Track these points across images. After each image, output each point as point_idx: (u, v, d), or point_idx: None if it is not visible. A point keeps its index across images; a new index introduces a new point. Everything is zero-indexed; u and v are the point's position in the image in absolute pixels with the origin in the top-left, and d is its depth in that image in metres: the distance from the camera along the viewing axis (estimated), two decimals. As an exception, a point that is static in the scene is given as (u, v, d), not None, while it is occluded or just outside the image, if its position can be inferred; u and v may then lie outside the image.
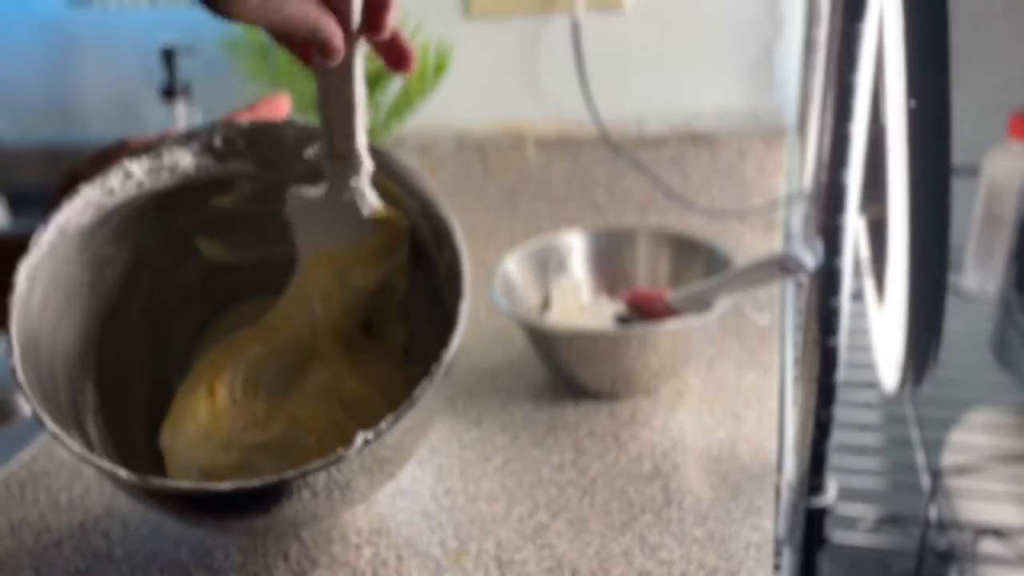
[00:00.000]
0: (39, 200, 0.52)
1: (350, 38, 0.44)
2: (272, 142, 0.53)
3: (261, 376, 0.58)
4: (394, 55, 0.46)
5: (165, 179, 0.52)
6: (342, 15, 0.43)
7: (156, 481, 0.45)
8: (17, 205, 1.14)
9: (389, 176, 0.53)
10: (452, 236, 0.51)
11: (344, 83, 0.46)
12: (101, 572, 0.54)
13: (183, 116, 1.06)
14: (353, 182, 0.51)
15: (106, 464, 0.44)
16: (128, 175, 0.51)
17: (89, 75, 1.16)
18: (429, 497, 0.58)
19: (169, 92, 1.04)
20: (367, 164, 0.50)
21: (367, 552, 0.53)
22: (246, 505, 0.46)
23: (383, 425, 0.44)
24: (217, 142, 0.53)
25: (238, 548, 0.55)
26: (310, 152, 0.51)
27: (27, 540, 0.57)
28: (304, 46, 0.47)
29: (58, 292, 0.51)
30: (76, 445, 0.44)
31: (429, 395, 0.46)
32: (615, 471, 0.59)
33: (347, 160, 0.50)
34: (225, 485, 0.43)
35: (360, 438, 0.44)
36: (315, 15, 0.41)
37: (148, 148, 0.51)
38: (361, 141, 0.49)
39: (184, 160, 0.52)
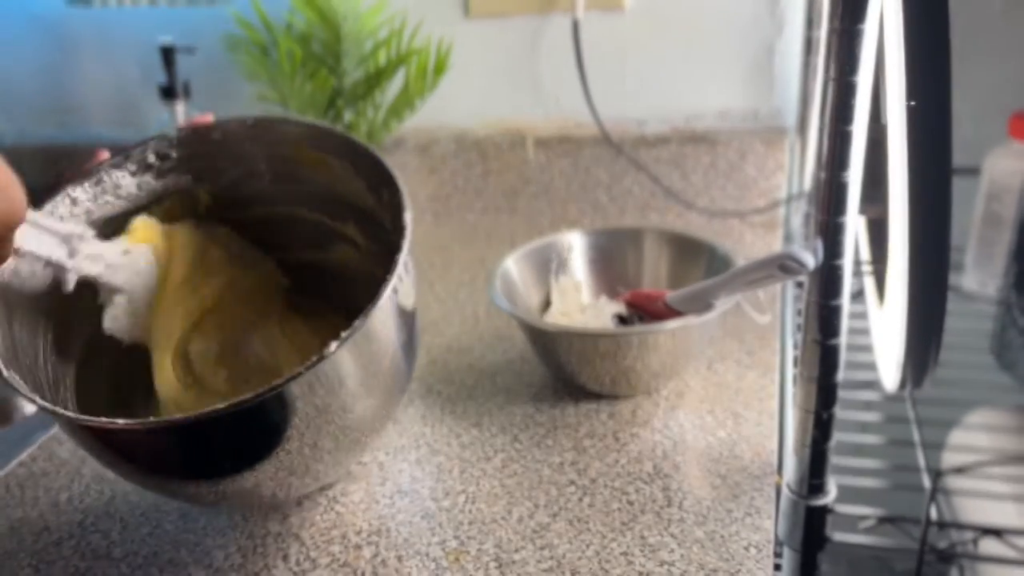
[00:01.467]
0: (37, 199, 0.52)
1: None
2: (202, 149, 0.55)
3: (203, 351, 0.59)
4: None
5: (111, 202, 0.54)
6: None
7: (96, 420, 0.44)
8: (16, 204, 1.14)
9: (313, 145, 0.54)
10: (387, 172, 0.51)
11: None
12: (100, 572, 0.54)
13: (182, 115, 1.05)
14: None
15: (49, 406, 0.44)
16: (74, 202, 0.52)
17: (88, 74, 1.16)
18: (429, 497, 0.58)
19: (168, 91, 1.04)
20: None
21: (367, 552, 0.53)
22: (216, 449, 0.46)
23: (332, 346, 0.44)
24: (151, 158, 0.54)
25: (238, 548, 0.55)
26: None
27: (27, 540, 0.57)
28: None
29: (30, 313, 0.51)
30: (21, 383, 0.44)
31: (377, 327, 0.46)
32: (615, 471, 0.59)
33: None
34: (186, 416, 0.43)
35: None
36: None
37: (87, 174, 0.52)
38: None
39: (124, 180, 0.54)
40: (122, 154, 0.53)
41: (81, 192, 0.52)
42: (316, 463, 0.50)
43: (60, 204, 0.51)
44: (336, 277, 0.62)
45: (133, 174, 0.54)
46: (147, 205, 0.56)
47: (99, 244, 0.51)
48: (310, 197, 0.58)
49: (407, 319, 0.51)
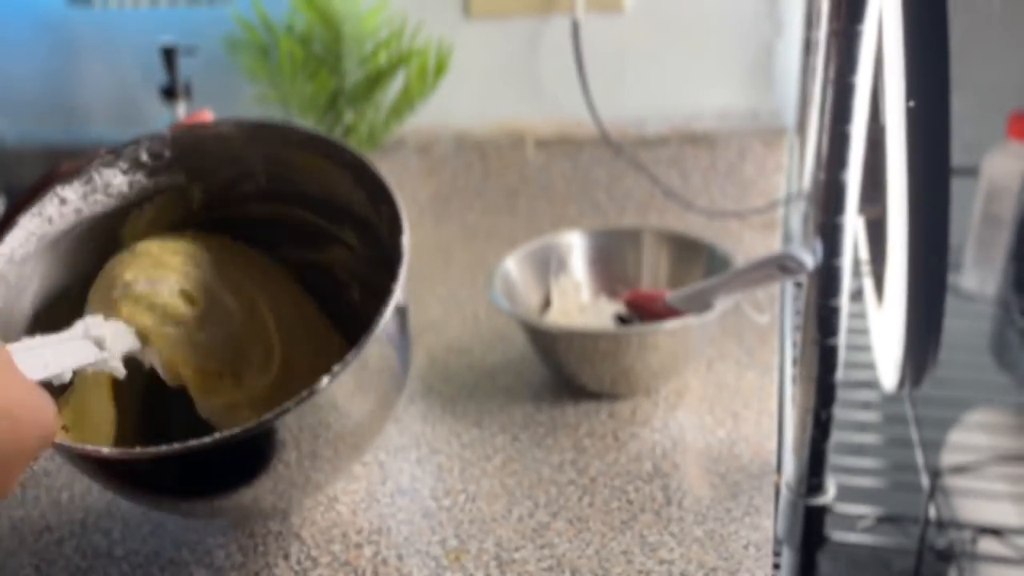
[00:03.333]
0: (25, 199, 0.52)
1: None
2: (196, 148, 0.54)
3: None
4: None
5: (102, 201, 0.53)
6: None
7: (89, 447, 0.44)
8: (17, 205, 1.14)
9: (315, 152, 0.54)
10: (387, 191, 0.51)
11: None
12: (102, 571, 0.54)
13: (183, 116, 1.06)
14: None
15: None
16: (63, 201, 0.51)
17: (89, 75, 1.16)
18: (429, 496, 0.58)
19: (170, 92, 1.04)
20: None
21: (367, 551, 0.54)
22: (214, 470, 0.46)
23: (324, 380, 0.43)
24: (144, 156, 0.53)
25: (239, 547, 0.55)
26: None
27: (28, 539, 0.57)
28: None
29: (14, 315, 0.50)
30: None
31: (374, 350, 0.46)
32: (615, 471, 0.59)
33: None
34: (168, 447, 0.43)
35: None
36: None
37: (78, 172, 0.52)
38: None
39: (115, 179, 0.53)
40: (114, 152, 0.52)
41: (70, 191, 0.51)
42: (316, 472, 0.50)
43: (48, 204, 0.51)
44: (327, 275, 0.62)
45: (125, 172, 0.53)
46: (139, 203, 0.55)
47: (111, 323, 0.49)
48: (305, 199, 0.58)
49: (399, 322, 0.50)
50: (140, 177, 0.54)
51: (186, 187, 0.57)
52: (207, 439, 0.42)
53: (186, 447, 0.43)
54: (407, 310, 0.53)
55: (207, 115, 0.56)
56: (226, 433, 0.43)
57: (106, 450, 0.44)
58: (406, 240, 0.49)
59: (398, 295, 0.47)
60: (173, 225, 0.58)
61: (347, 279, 0.61)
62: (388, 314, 0.46)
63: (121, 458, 0.45)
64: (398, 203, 0.51)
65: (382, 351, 0.49)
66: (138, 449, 0.44)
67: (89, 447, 0.44)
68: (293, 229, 0.60)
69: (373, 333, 0.45)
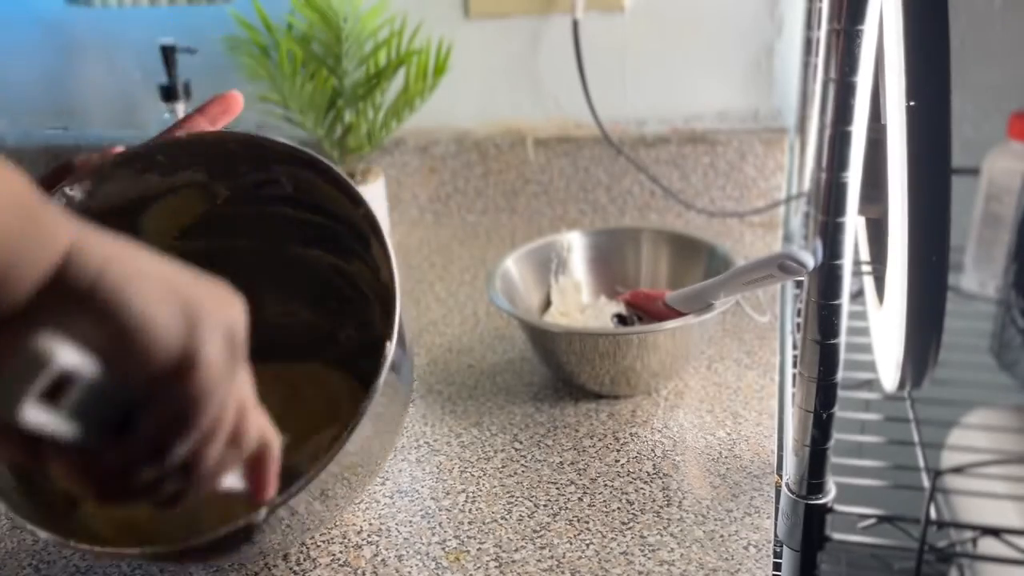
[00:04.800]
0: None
1: None
2: (213, 153, 0.53)
3: None
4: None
5: (115, 196, 0.52)
6: None
7: (82, 546, 0.43)
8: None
9: (334, 186, 0.53)
10: (383, 239, 0.51)
11: None
12: (101, 571, 0.54)
13: (183, 115, 1.05)
14: None
15: (27, 525, 0.44)
16: (70, 200, 0.50)
17: (89, 74, 1.16)
18: (429, 497, 0.58)
19: (169, 91, 1.04)
20: None
21: (367, 552, 0.54)
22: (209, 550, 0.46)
23: (295, 486, 0.43)
24: (160, 159, 0.52)
25: (238, 547, 0.55)
26: None
27: (27, 539, 0.57)
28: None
29: None
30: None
31: (376, 406, 0.45)
32: (615, 471, 0.59)
33: None
34: (133, 549, 0.42)
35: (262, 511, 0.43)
36: None
37: (92, 171, 0.51)
38: None
39: (127, 179, 0.52)
40: (130, 153, 0.52)
41: (79, 190, 0.51)
42: (330, 511, 0.50)
43: (56, 202, 0.50)
44: (353, 286, 0.61)
45: (139, 172, 0.52)
46: (162, 195, 0.55)
47: None
48: (331, 214, 0.57)
49: (399, 353, 0.49)
50: (154, 177, 0.53)
51: (208, 184, 0.56)
52: (196, 541, 0.42)
53: (173, 550, 0.42)
54: (404, 335, 0.52)
55: (237, 97, 0.55)
56: (220, 531, 0.42)
57: (98, 549, 0.44)
58: (398, 319, 0.48)
59: (390, 360, 0.46)
60: (198, 217, 0.57)
61: (371, 296, 0.60)
62: (378, 391, 0.45)
63: (109, 555, 0.45)
64: (392, 264, 0.50)
65: (385, 382, 0.47)
66: (125, 550, 0.43)
67: (82, 545, 0.43)
68: (322, 234, 0.59)
69: (365, 412, 0.44)
